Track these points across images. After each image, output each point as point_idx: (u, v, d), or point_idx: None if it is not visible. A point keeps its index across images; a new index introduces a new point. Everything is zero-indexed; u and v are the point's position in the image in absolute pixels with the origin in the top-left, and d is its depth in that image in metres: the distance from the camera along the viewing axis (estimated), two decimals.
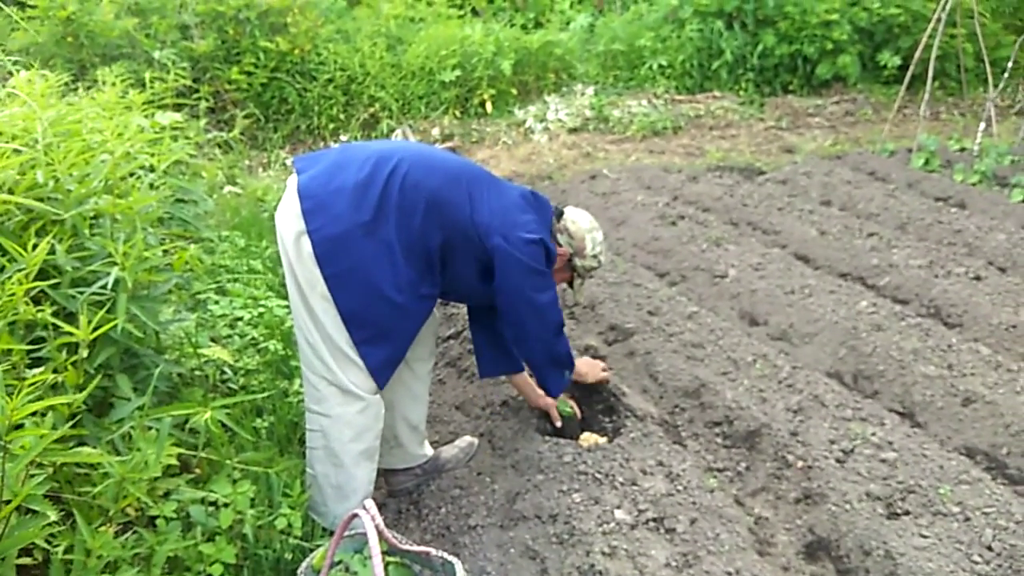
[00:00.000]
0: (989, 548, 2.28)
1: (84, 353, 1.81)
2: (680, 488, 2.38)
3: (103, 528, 1.75)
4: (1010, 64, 7.09)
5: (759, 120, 8.21)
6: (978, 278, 4.33)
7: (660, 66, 8.50)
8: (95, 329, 1.82)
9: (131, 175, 2.59)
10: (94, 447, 1.94)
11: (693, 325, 3.77)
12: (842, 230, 5.18)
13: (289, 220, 2.16)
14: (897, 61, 8.56)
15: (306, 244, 2.11)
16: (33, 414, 1.47)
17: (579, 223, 2.51)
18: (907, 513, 2.46)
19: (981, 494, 2.49)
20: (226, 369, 2.93)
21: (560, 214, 2.52)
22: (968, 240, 4.91)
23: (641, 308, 3.95)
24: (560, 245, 2.47)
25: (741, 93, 8.59)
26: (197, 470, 2.44)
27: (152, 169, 2.66)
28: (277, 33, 7.44)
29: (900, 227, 5.29)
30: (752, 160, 7.14)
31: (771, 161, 7.11)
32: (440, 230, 2.19)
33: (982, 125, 6.51)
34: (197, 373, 2.86)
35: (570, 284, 2.64)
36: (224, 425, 2.48)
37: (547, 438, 2.58)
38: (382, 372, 2.24)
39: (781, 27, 8.45)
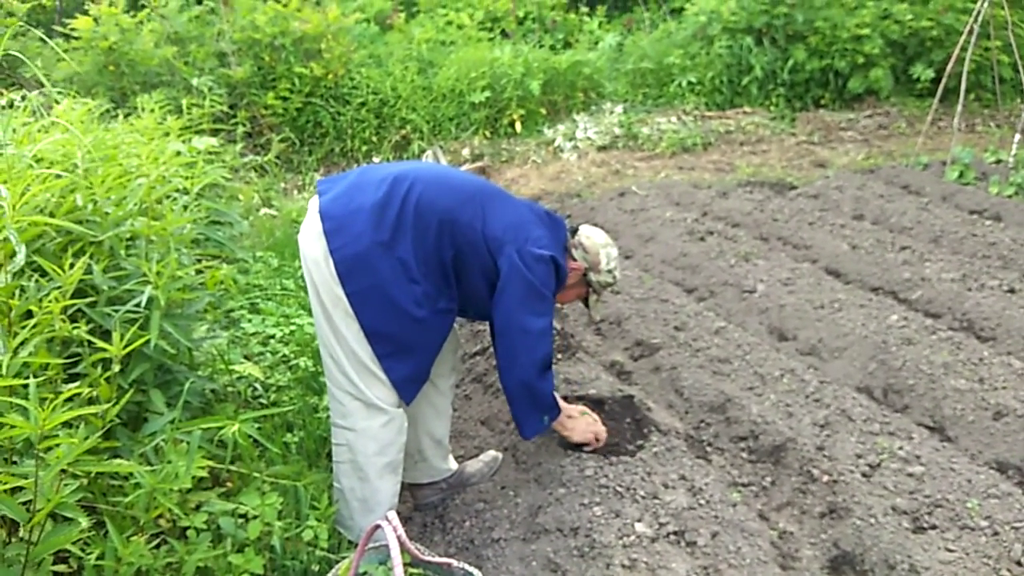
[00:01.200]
0: (1019, 563, 2.25)
1: (117, 368, 1.89)
2: (702, 502, 2.39)
3: (134, 538, 1.81)
4: None
5: (790, 135, 8.17)
6: (1012, 291, 4.26)
7: (689, 83, 8.52)
8: (128, 345, 1.90)
9: (166, 198, 2.69)
10: (127, 459, 2.02)
11: (720, 340, 3.76)
12: (874, 244, 5.13)
13: (311, 240, 2.24)
14: (930, 74, 8.46)
15: (328, 263, 2.18)
16: (67, 425, 1.55)
17: (593, 238, 2.53)
18: (934, 527, 2.43)
19: (1011, 508, 2.45)
20: (257, 385, 3.01)
21: (575, 231, 2.55)
22: (1003, 253, 4.83)
23: (668, 323, 3.96)
24: (575, 260, 2.49)
25: (772, 108, 8.56)
26: (228, 484, 2.51)
27: (187, 192, 2.76)
28: (311, 59, 7.62)
29: (933, 240, 5.22)
30: (783, 175, 7.11)
31: (803, 176, 7.07)
32: (452, 246, 2.24)
33: (1017, 136, 6.41)
34: (230, 389, 2.94)
35: (585, 302, 2.66)
36: (255, 440, 2.56)
37: (569, 452, 2.59)
38: (407, 387, 2.29)
39: (811, 42, 8.42)
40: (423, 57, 8.21)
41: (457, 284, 2.30)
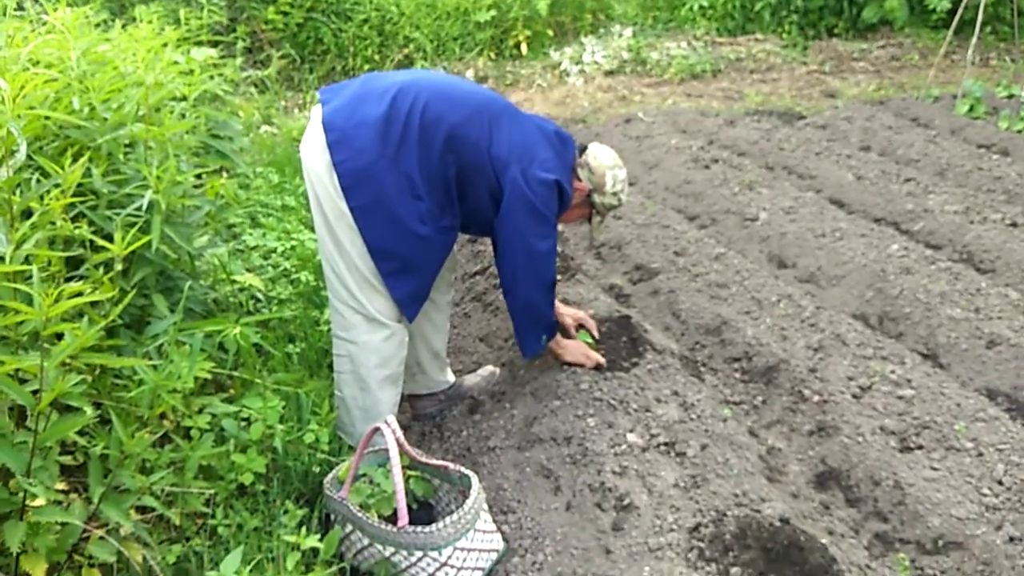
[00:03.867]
0: (999, 482, 2.31)
1: (119, 268, 1.90)
2: (693, 416, 2.44)
3: (139, 432, 1.86)
4: None
5: (801, 64, 8.01)
6: (1014, 224, 4.25)
7: (701, 7, 8.31)
8: (129, 246, 1.91)
9: (164, 104, 2.66)
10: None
11: (719, 266, 3.77)
12: (879, 175, 5.10)
13: (315, 152, 2.20)
14: (946, 5, 8.24)
15: (332, 176, 2.15)
16: (71, 320, 1.57)
17: (601, 159, 2.48)
18: (920, 447, 2.49)
19: (997, 431, 2.50)
20: (258, 296, 3.03)
21: (583, 149, 2.50)
22: (1008, 187, 4.80)
23: (668, 249, 3.97)
24: (580, 180, 2.47)
25: (784, 36, 8.37)
26: (230, 389, 2.56)
27: (184, 99, 2.73)
28: None
29: (939, 173, 5.18)
30: (792, 104, 7.01)
31: (812, 106, 6.97)
32: (456, 162, 2.22)
33: None
34: (231, 299, 2.97)
35: (589, 221, 2.64)
36: (257, 348, 2.60)
37: (565, 367, 2.63)
38: (409, 304, 2.30)
39: None
40: None
41: (460, 201, 2.28)
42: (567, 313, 2.78)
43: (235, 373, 2.42)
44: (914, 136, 5.84)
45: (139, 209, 2.14)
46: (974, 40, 6.55)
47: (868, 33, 8.55)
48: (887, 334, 3.30)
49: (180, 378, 1.92)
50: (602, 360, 2.67)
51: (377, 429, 2.04)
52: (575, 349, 2.66)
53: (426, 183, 2.18)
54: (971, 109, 6.33)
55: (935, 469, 2.36)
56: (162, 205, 2.12)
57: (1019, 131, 5.88)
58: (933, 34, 8.50)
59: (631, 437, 2.29)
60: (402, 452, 2.07)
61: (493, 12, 7.58)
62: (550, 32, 7.93)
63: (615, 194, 2.51)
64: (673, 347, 3.07)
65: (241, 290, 2.93)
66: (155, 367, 1.94)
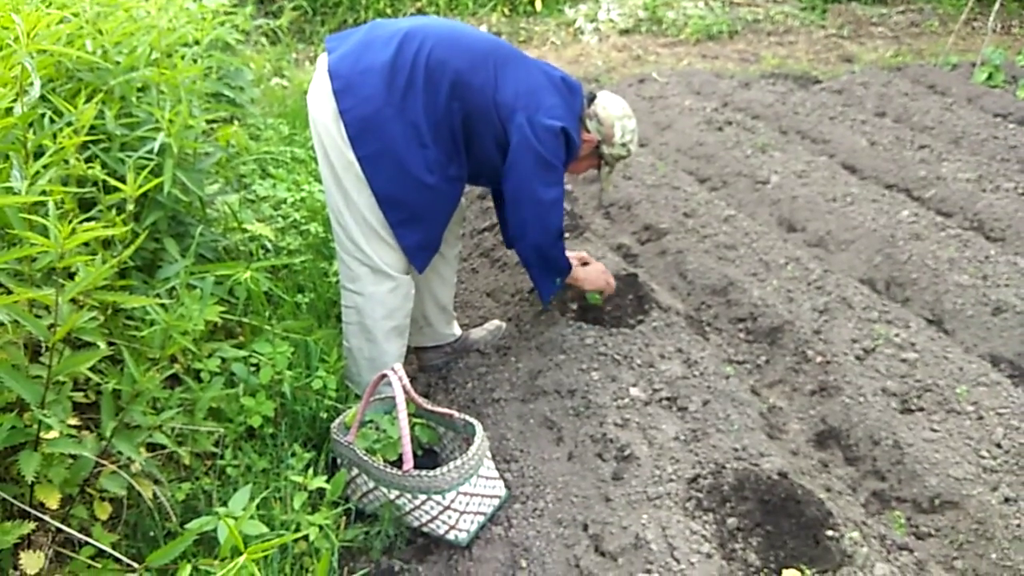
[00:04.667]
0: (998, 445, 2.33)
1: (131, 209, 1.92)
2: (696, 373, 2.46)
3: (150, 372, 1.89)
4: None
5: (820, 27, 7.89)
6: None
7: None
8: (141, 187, 1.93)
9: (176, 51, 2.66)
10: None
11: (728, 228, 3.77)
12: (893, 141, 5.05)
13: (321, 100, 2.18)
14: None
15: (339, 125, 2.13)
16: (85, 256, 1.59)
17: (610, 109, 2.44)
18: (921, 410, 2.51)
19: (998, 396, 2.52)
20: (268, 245, 3.05)
21: (592, 99, 2.47)
22: (1022, 156, 4.76)
23: (677, 210, 3.96)
24: (588, 131, 2.44)
25: None
26: (240, 335, 2.59)
27: (197, 43, 2.72)
28: None
29: (953, 141, 5.14)
30: (809, 68, 6.92)
31: (828, 70, 6.88)
32: (462, 110, 2.19)
33: None
34: (241, 247, 2.99)
35: (598, 172, 2.62)
36: (267, 296, 2.62)
37: (571, 322, 2.65)
38: (418, 254, 2.30)
39: None
40: None
41: (467, 150, 2.26)
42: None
43: (245, 320, 2.45)
44: (930, 103, 5.78)
45: (151, 152, 2.15)
46: (996, 7, 6.43)
47: None
48: (894, 299, 3.30)
49: (191, 320, 1.95)
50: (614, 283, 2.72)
51: (384, 376, 2.07)
52: (595, 277, 2.67)
53: (432, 131, 2.17)
54: (989, 77, 6.24)
55: (934, 431, 2.38)
56: (174, 148, 2.13)
57: None
58: (954, 0, 8.34)
59: (634, 391, 2.32)
60: (408, 399, 2.10)
61: None
62: None
63: (624, 145, 2.47)
64: (679, 306, 3.09)
65: (251, 239, 2.95)
66: (166, 308, 1.97)
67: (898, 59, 7.13)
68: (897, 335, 2.82)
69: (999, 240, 3.81)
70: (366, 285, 2.30)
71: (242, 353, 2.27)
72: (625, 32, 7.43)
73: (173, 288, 2.12)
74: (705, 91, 6.21)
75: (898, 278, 3.42)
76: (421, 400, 2.16)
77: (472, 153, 2.27)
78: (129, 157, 2.14)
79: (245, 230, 2.87)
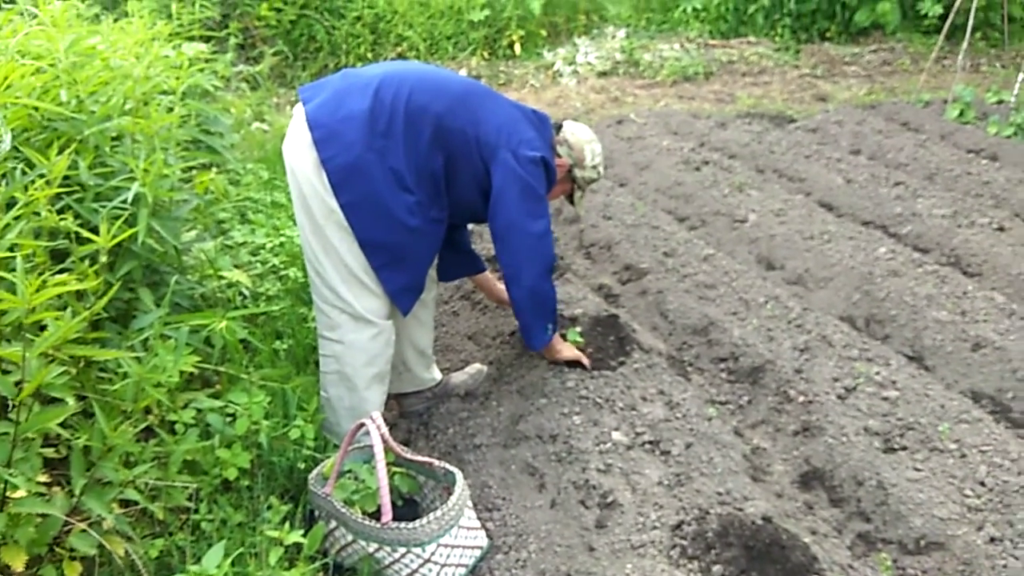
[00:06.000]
0: (982, 484, 2.32)
1: (104, 260, 1.90)
2: (679, 415, 2.45)
3: (123, 427, 1.85)
4: None
5: (793, 67, 8.04)
6: (1001, 229, 4.28)
7: (695, 9, 8.33)
8: (115, 237, 1.90)
9: (152, 98, 2.66)
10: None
11: (708, 267, 3.79)
12: (868, 179, 5.12)
13: (300, 151, 2.18)
14: (939, 10, 8.29)
15: (320, 174, 2.14)
16: (55, 310, 1.56)
17: (578, 135, 2.54)
18: (904, 448, 2.50)
19: (980, 433, 2.52)
20: (245, 292, 3.03)
21: (559, 127, 2.55)
22: (996, 192, 4.84)
23: (657, 249, 3.98)
24: (560, 156, 2.50)
25: (776, 39, 8.40)
26: (216, 384, 2.56)
27: (172, 92, 2.71)
28: None
29: (928, 177, 5.22)
30: (784, 108, 7.03)
31: (803, 109, 7.00)
32: (444, 152, 2.23)
33: (1021, 76, 6.33)
34: (218, 295, 2.96)
35: (570, 199, 2.67)
36: (244, 343, 2.59)
37: (552, 366, 2.64)
38: (403, 296, 2.30)
39: None
40: None
41: (448, 192, 2.29)
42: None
43: (221, 368, 2.41)
44: (904, 140, 5.88)
45: (125, 202, 2.13)
46: (964, 46, 6.59)
47: (860, 37, 8.59)
48: (873, 336, 3.32)
49: (165, 371, 1.92)
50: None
51: (362, 425, 2.04)
52: (572, 349, 2.72)
53: (414, 175, 2.19)
54: (961, 114, 6.37)
55: (918, 470, 2.37)
56: (148, 198, 2.12)
57: (1008, 136, 5.93)
58: (925, 39, 8.55)
59: (616, 435, 2.30)
60: (387, 448, 2.07)
61: (487, 11, 7.59)
62: (543, 32, 7.94)
63: (595, 167, 2.58)
64: (660, 347, 3.08)
65: (229, 286, 2.92)
66: (139, 360, 1.94)
67: (871, 97, 7.27)
68: (878, 373, 2.83)
69: (976, 275, 3.85)
70: (346, 333, 2.29)
71: (218, 403, 2.23)
72: (603, 74, 7.53)
73: (147, 339, 2.08)
74: (682, 131, 6.29)
75: (877, 315, 3.44)
76: (400, 448, 2.13)
77: (453, 194, 2.30)
78: (103, 207, 2.12)
79: (222, 277, 2.85)
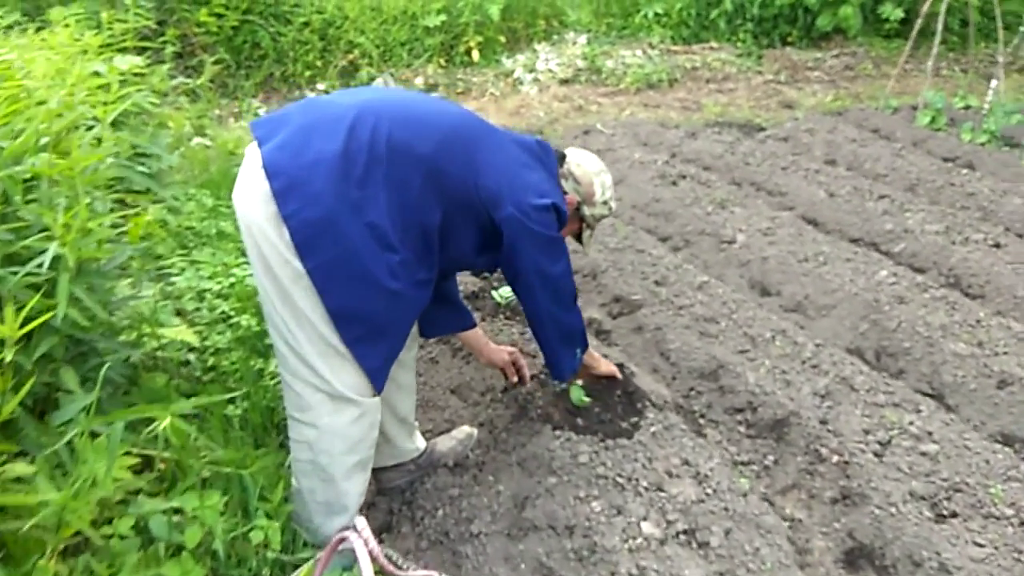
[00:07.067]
0: None
1: (10, 355, 1.49)
2: (710, 491, 2.12)
3: (41, 562, 1.45)
4: None
5: (757, 73, 7.86)
6: (997, 245, 4.10)
7: (656, 14, 8.08)
8: (28, 322, 1.50)
9: (75, 128, 2.23)
10: (33, 459, 1.64)
11: (704, 296, 3.49)
12: (851, 192, 4.92)
13: (255, 203, 1.75)
14: (900, 14, 8.21)
15: (281, 232, 1.72)
16: None
17: (585, 166, 2.19)
18: (955, 515, 2.23)
19: None
20: (192, 358, 2.61)
21: (562, 157, 2.20)
22: (982, 204, 4.67)
23: (647, 277, 3.67)
24: (566, 192, 2.16)
25: (739, 44, 8.21)
26: (161, 465, 2.14)
27: (98, 120, 2.28)
28: None
29: (910, 189, 5.04)
30: (751, 116, 6.83)
31: (771, 117, 6.80)
32: (440, 204, 1.85)
33: (994, 82, 6.23)
34: (160, 354, 2.54)
35: (578, 237, 2.32)
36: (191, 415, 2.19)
37: (558, 432, 2.29)
38: (380, 373, 1.91)
39: None
40: None
41: (441, 248, 1.91)
42: (500, 351, 2.54)
43: (166, 455, 2.01)
44: (879, 149, 5.71)
45: (42, 266, 1.72)
46: (934, 51, 6.47)
47: (822, 42, 8.47)
48: (887, 371, 3.06)
49: (95, 485, 1.52)
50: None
51: (344, 539, 1.66)
52: (603, 361, 2.57)
53: (400, 230, 1.80)
54: (932, 120, 6.24)
55: (979, 544, 2.09)
56: (70, 261, 1.71)
57: (982, 143, 5.81)
58: (886, 43, 8.46)
59: (646, 526, 1.96)
60: (374, 562, 1.70)
61: (443, 17, 7.20)
62: (502, 38, 7.58)
63: (605, 203, 2.24)
64: (665, 393, 2.76)
65: (171, 344, 2.51)
66: (63, 468, 1.54)
67: (837, 103, 7.12)
68: (911, 423, 2.56)
69: (979, 297, 3.65)
70: (322, 416, 1.88)
71: (162, 505, 1.83)
72: (565, 82, 7.22)
73: (73, 439, 1.67)
74: (652, 142, 6.02)
75: (889, 347, 3.18)
76: (389, 564, 1.75)
77: (446, 250, 1.92)
78: (14, 274, 1.70)
79: (162, 336, 2.43)
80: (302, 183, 1.70)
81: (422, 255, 1.86)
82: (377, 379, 1.89)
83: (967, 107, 6.71)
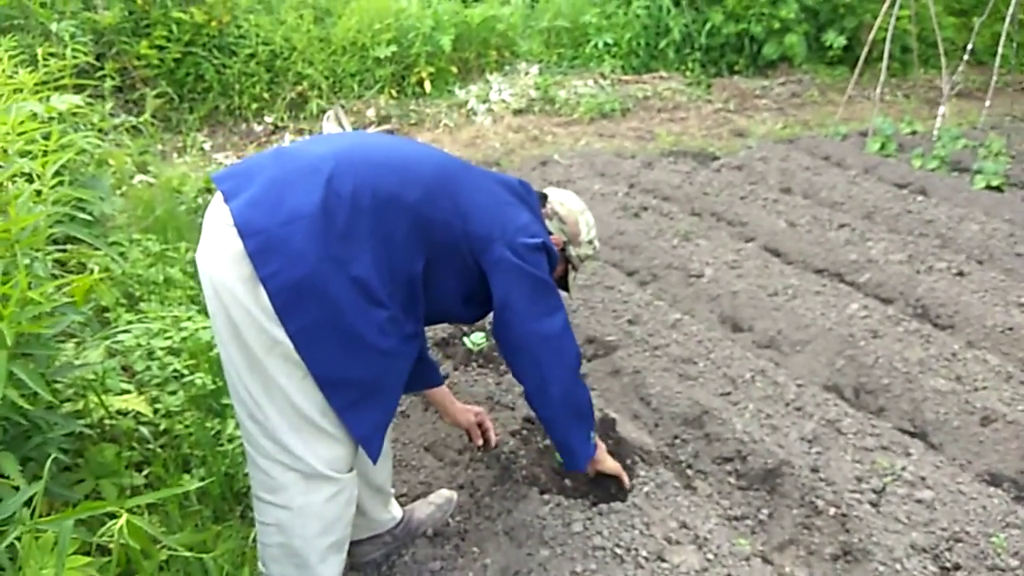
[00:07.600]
0: None
1: None
2: (711, 556, 2.01)
3: None
4: (970, 46, 6.95)
5: (707, 102, 7.92)
6: (961, 274, 4.12)
7: (606, 44, 8.10)
8: None
9: (12, 182, 2.03)
10: None
11: (679, 335, 3.41)
12: (811, 221, 4.93)
13: (225, 264, 1.59)
14: (842, 41, 8.40)
15: (257, 295, 1.57)
16: None
17: (569, 205, 2.09)
18: (958, 567, 2.15)
19: None
20: (144, 416, 2.41)
21: (544, 197, 2.09)
22: (941, 231, 4.72)
23: (619, 316, 3.57)
24: (551, 233, 2.04)
25: (688, 73, 8.28)
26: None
27: (37, 177, 2.07)
28: (191, 3, 6.70)
29: (867, 216, 5.07)
30: (704, 145, 6.85)
31: (723, 145, 6.84)
32: (423, 251, 1.73)
33: (941, 108, 6.38)
34: (109, 423, 2.33)
35: (562, 280, 2.18)
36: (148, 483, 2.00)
37: (547, 497, 2.15)
38: (373, 440, 1.74)
39: (728, 4, 8.15)
40: (319, 4, 7.38)
41: (425, 297, 1.78)
42: (465, 411, 2.37)
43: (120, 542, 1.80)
44: (833, 177, 5.76)
45: None
46: (882, 77, 6.60)
47: (768, 70, 8.59)
48: (868, 409, 3.00)
49: None
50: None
51: None
52: (612, 461, 2.28)
53: (387, 283, 1.66)
54: (883, 147, 6.34)
55: None
56: (8, 340, 1.51)
57: (932, 169, 5.90)
58: (830, 70, 8.63)
59: None
60: None
61: (393, 48, 7.07)
62: (454, 69, 7.49)
63: (590, 242, 2.14)
64: (650, 442, 2.65)
65: (121, 413, 2.30)
66: None
67: (787, 131, 7.20)
68: (904, 468, 2.49)
69: (948, 327, 3.64)
70: (294, 496, 1.70)
71: None
72: (519, 112, 7.16)
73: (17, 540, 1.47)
74: (610, 172, 5.98)
75: (867, 384, 3.14)
76: None
77: (430, 297, 1.78)
78: None
79: (109, 406, 2.23)
80: (281, 242, 1.54)
81: (408, 308, 1.72)
82: (370, 446, 1.73)
83: (913, 132, 6.86)
